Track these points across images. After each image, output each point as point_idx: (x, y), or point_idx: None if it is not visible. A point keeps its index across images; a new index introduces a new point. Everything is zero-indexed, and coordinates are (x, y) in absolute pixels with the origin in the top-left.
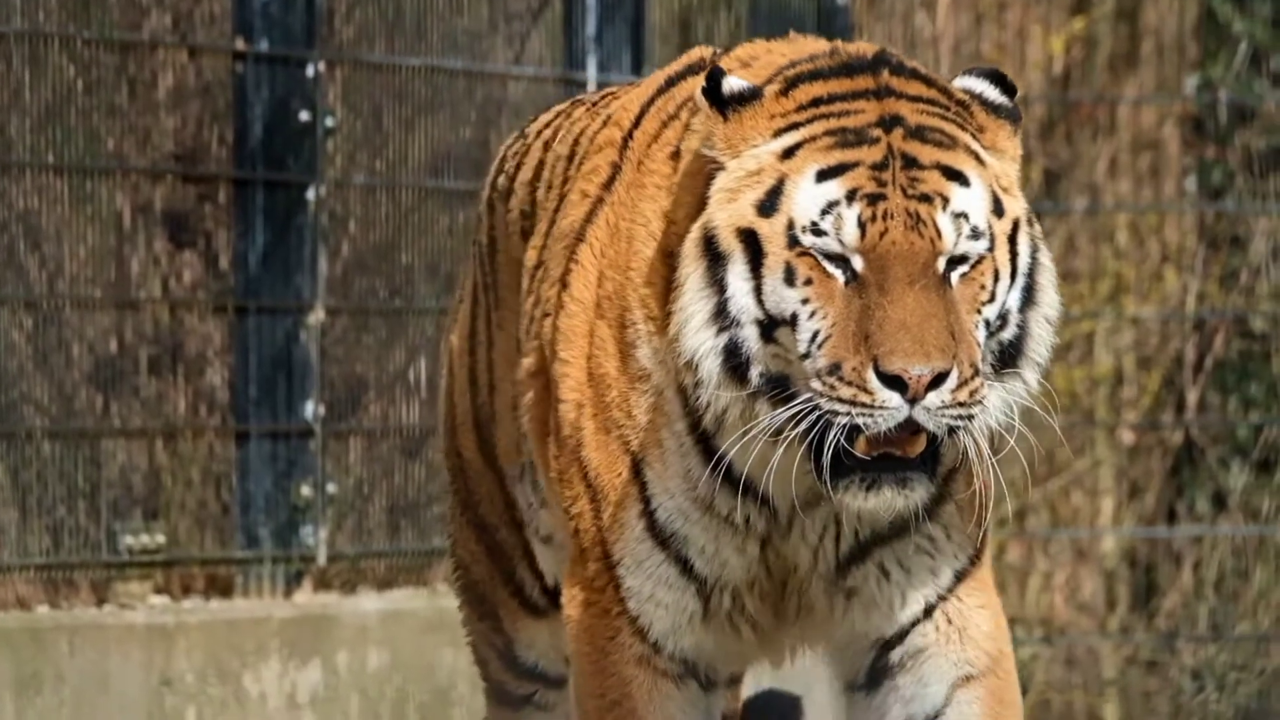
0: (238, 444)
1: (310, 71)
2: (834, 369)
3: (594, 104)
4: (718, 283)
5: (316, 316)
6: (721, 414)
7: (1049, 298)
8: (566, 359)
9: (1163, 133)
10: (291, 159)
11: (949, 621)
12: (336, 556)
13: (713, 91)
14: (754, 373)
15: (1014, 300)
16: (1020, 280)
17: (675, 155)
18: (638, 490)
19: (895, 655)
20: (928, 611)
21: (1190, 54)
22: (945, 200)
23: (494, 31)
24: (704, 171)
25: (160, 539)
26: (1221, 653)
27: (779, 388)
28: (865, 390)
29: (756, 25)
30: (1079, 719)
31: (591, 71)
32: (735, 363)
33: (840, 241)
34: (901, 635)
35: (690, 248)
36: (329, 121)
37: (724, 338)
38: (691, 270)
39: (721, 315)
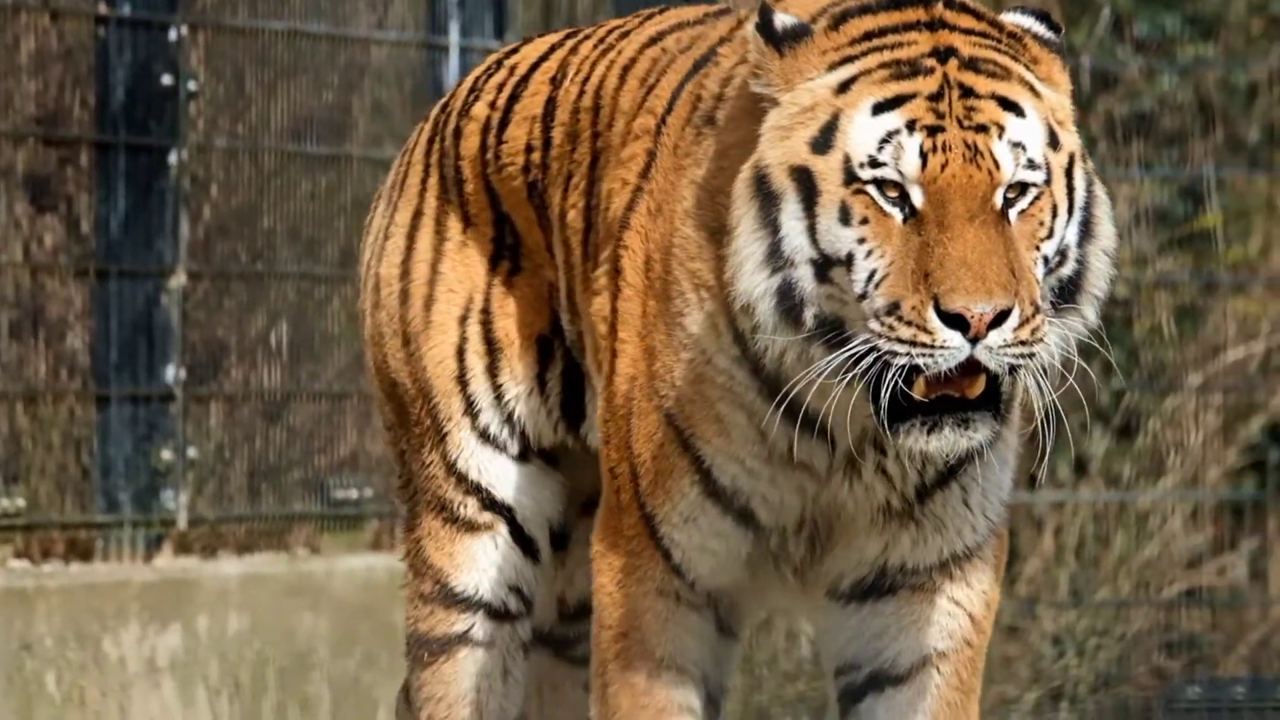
0: (98, 408)
1: (172, 35)
2: (892, 308)
3: (601, 40)
4: (771, 223)
5: (178, 280)
6: (779, 358)
7: (1106, 230)
8: (624, 338)
9: None
10: (153, 123)
11: (961, 569)
12: (197, 520)
13: (765, 26)
14: (808, 315)
15: (1072, 235)
16: (1078, 214)
17: (709, 123)
18: (689, 459)
19: (891, 577)
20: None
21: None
22: (1001, 129)
23: None
24: (755, 110)
25: (20, 503)
26: (1082, 618)
27: (833, 331)
28: (925, 330)
29: None
30: None
31: (454, 36)
32: (789, 305)
33: (900, 172)
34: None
35: (741, 188)
36: (191, 85)
37: (777, 279)
38: (744, 212)
39: (775, 256)
